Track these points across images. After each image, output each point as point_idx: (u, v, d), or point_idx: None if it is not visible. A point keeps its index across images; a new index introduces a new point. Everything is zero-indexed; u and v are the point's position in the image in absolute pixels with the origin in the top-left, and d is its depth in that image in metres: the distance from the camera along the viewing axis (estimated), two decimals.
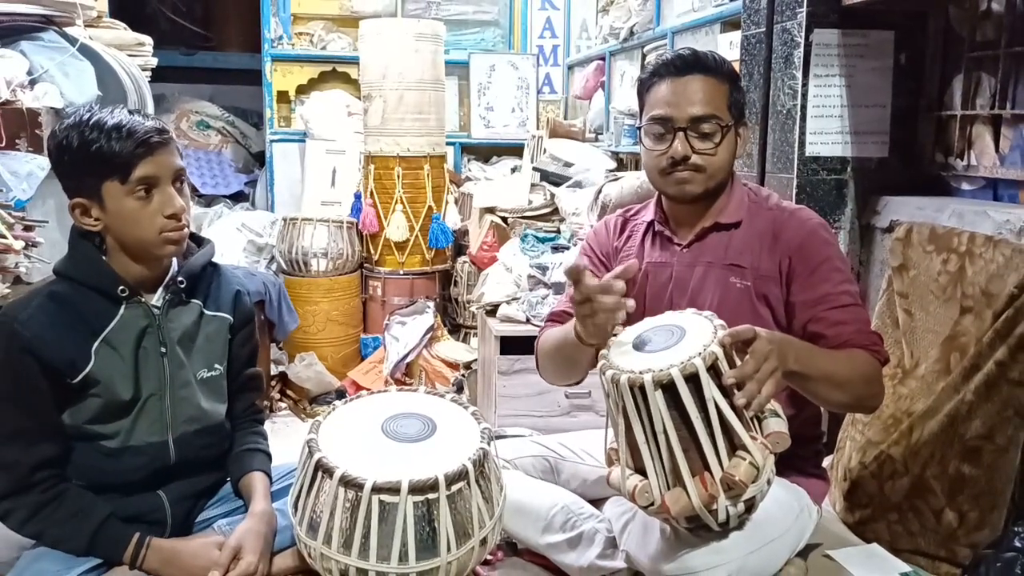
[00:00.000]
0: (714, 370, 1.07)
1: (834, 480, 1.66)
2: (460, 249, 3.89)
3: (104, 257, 1.27)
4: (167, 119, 4.63)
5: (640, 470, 1.14)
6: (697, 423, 1.07)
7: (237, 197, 4.51)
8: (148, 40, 2.76)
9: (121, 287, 1.25)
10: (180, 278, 1.31)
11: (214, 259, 1.42)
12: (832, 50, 1.91)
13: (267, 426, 3.18)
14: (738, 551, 1.17)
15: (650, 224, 1.51)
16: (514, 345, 2.65)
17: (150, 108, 2.58)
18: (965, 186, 1.89)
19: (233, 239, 3.65)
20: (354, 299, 3.69)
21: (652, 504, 1.12)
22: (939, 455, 1.46)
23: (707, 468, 1.08)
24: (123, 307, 1.26)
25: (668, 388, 1.07)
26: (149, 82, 2.66)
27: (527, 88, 4.50)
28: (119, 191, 1.20)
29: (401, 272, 3.67)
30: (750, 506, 1.13)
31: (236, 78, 5.20)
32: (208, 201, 4.32)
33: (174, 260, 1.34)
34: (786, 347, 1.14)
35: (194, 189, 4.33)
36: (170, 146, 1.24)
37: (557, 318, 1.53)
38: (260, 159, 4.66)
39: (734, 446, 1.09)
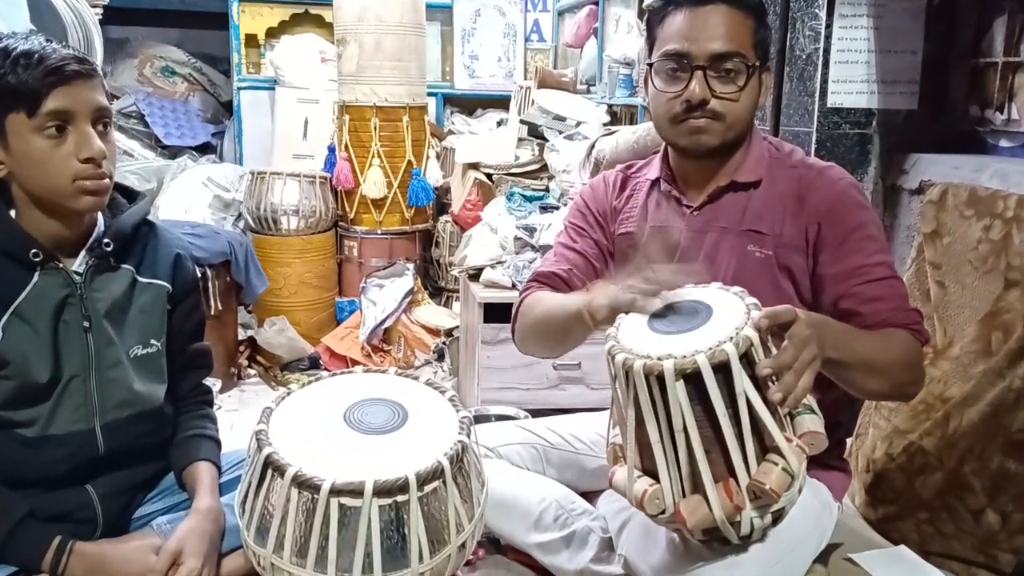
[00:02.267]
0: (746, 358, 0.90)
1: (855, 471, 1.51)
2: (442, 207, 3.72)
3: (12, 214, 1.10)
4: (129, 64, 4.35)
5: (651, 472, 0.97)
6: (724, 421, 0.90)
7: (204, 149, 4.27)
8: None
9: (34, 250, 1.09)
10: (106, 239, 1.15)
11: (150, 217, 1.25)
12: None
13: (235, 395, 3.03)
14: (758, 564, 1.01)
15: (655, 183, 1.34)
16: (499, 313, 2.46)
17: (98, 48, 2.34)
18: (1003, 143, 1.72)
19: (198, 194, 3.44)
20: (328, 260, 3.53)
21: (663, 512, 0.96)
22: (979, 448, 1.31)
23: (732, 474, 0.92)
24: (37, 274, 1.11)
25: (692, 378, 0.90)
26: (109, 24, 2.43)
27: (514, 35, 4.27)
28: (25, 126, 1.04)
29: (379, 232, 3.50)
30: (777, 517, 0.97)
31: (205, 22, 4.91)
32: (173, 153, 4.07)
33: (100, 218, 1.17)
34: (825, 331, 0.98)
35: (157, 140, 4.09)
36: (93, 80, 1.08)
37: (545, 280, 1.34)
38: (230, 108, 4.41)
39: (764, 448, 0.92)
